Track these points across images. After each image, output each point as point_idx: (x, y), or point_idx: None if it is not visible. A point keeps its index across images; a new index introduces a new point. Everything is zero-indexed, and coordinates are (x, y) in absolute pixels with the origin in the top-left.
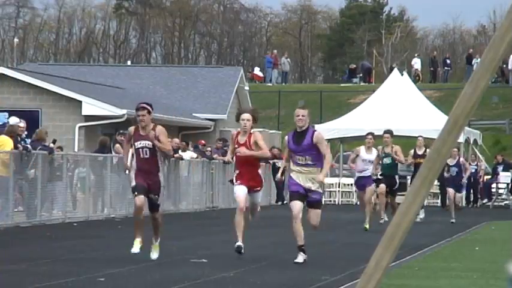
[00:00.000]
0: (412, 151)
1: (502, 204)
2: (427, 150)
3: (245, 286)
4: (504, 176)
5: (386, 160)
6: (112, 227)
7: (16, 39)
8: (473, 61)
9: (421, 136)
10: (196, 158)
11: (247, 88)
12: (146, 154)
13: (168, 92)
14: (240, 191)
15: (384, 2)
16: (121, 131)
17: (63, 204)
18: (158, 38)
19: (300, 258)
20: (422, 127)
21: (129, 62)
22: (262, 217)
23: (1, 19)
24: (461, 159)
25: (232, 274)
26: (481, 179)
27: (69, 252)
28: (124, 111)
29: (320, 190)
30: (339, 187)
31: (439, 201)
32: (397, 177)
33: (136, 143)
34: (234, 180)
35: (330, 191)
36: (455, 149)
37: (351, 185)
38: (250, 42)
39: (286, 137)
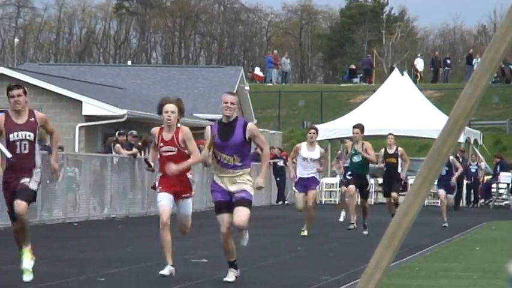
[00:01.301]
0: (382, 150)
1: (502, 204)
2: (398, 148)
3: (245, 286)
4: (504, 176)
5: (356, 158)
6: (112, 227)
7: (16, 39)
8: (474, 61)
9: (391, 134)
10: None
11: (247, 88)
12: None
13: (169, 92)
14: (164, 200)
15: (384, 2)
16: (121, 131)
17: (64, 204)
18: (158, 38)
19: (231, 275)
20: (423, 127)
21: (129, 62)
22: (262, 217)
23: (1, 19)
24: (451, 157)
25: None
26: (482, 179)
27: (69, 252)
28: (124, 111)
29: (250, 190)
30: (339, 187)
31: (439, 201)
32: (368, 176)
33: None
34: (157, 185)
35: (330, 191)
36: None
37: None
38: (250, 42)
39: (208, 130)
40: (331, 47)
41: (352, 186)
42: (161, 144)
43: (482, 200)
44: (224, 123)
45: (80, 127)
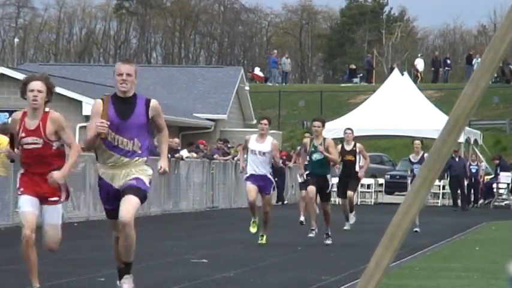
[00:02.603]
0: (339, 146)
1: (502, 204)
2: (357, 145)
3: (245, 286)
4: (504, 176)
5: (316, 156)
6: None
7: (16, 39)
8: (474, 61)
9: (350, 129)
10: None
11: (247, 88)
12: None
13: (169, 92)
14: (26, 206)
15: (384, 2)
16: None
17: (64, 204)
18: (158, 38)
19: (127, 283)
20: (423, 127)
21: None
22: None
23: (1, 19)
24: (426, 154)
25: (232, 274)
26: (482, 179)
27: (69, 252)
28: None
29: (146, 180)
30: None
31: (439, 201)
32: (329, 177)
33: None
34: (18, 186)
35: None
36: (418, 142)
37: None
38: (250, 43)
39: (100, 103)
40: (331, 47)
41: (311, 188)
42: (23, 134)
43: (482, 200)
44: (121, 98)
45: (80, 127)
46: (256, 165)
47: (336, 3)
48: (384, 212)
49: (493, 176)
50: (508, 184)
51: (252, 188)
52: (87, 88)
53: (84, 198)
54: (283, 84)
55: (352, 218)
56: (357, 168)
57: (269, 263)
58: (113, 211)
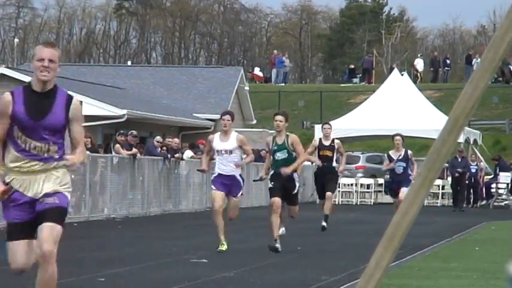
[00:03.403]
0: (316, 141)
1: (502, 204)
2: (335, 141)
3: (245, 286)
4: (504, 176)
5: (280, 154)
6: (112, 227)
7: (16, 40)
8: (473, 61)
9: (328, 124)
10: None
11: (247, 88)
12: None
13: (168, 92)
14: None
15: (383, 2)
16: (121, 131)
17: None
18: (158, 38)
19: None
20: (422, 127)
21: (129, 62)
22: (262, 217)
23: (1, 19)
24: (409, 151)
25: (232, 274)
26: (481, 179)
27: (69, 252)
28: (124, 112)
29: (67, 193)
30: (339, 187)
31: (438, 201)
32: (296, 176)
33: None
34: None
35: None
36: (398, 138)
37: (351, 185)
38: (250, 43)
39: (5, 102)
40: (330, 47)
41: (276, 200)
42: None
43: (482, 200)
44: (36, 92)
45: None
46: (224, 165)
47: (335, 3)
48: (384, 212)
49: (492, 176)
50: (508, 184)
51: (217, 195)
52: (87, 88)
53: (84, 198)
54: (283, 84)
55: (325, 224)
56: (334, 164)
57: (269, 263)
58: (21, 225)
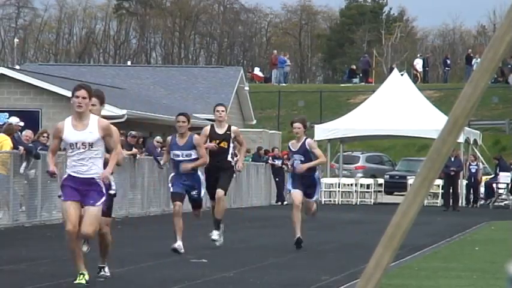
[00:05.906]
0: (207, 128)
1: (502, 204)
2: (232, 128)
3: (245, 286)
4: (504, 176)
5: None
6: (112, 227)
7: (16, 40)
8: (473, 61)
9: (222, 105)
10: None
11: (247, 88)
12: None
13: (168, 92)
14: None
15: (383, 2)
16: (120, 131)
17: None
18: (158, 38)
19: None
20: (422, 127)
21: (129, 63)
22: (261, 217)
23: (1, 19)
24: (309, 140)
25: (232, 274)
26: (480, 179)
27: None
28: (124, 112)
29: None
30: (338, 187)
31: (438, 201)
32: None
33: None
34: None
35: (330, 191)
36: (298, 125)
37: (351, 185)
38: (250, 43)
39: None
40: (330, 47)
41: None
42: None
43: (483, 201)
44: None
45: None
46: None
47: (335, 3)
48: (384, 212)
49: (492, 176)
50: (508, 184)
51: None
52: None
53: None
54: (283, 84)
55: (218, 233)
56: (229, 158)
57: (269, 263)
58: None
